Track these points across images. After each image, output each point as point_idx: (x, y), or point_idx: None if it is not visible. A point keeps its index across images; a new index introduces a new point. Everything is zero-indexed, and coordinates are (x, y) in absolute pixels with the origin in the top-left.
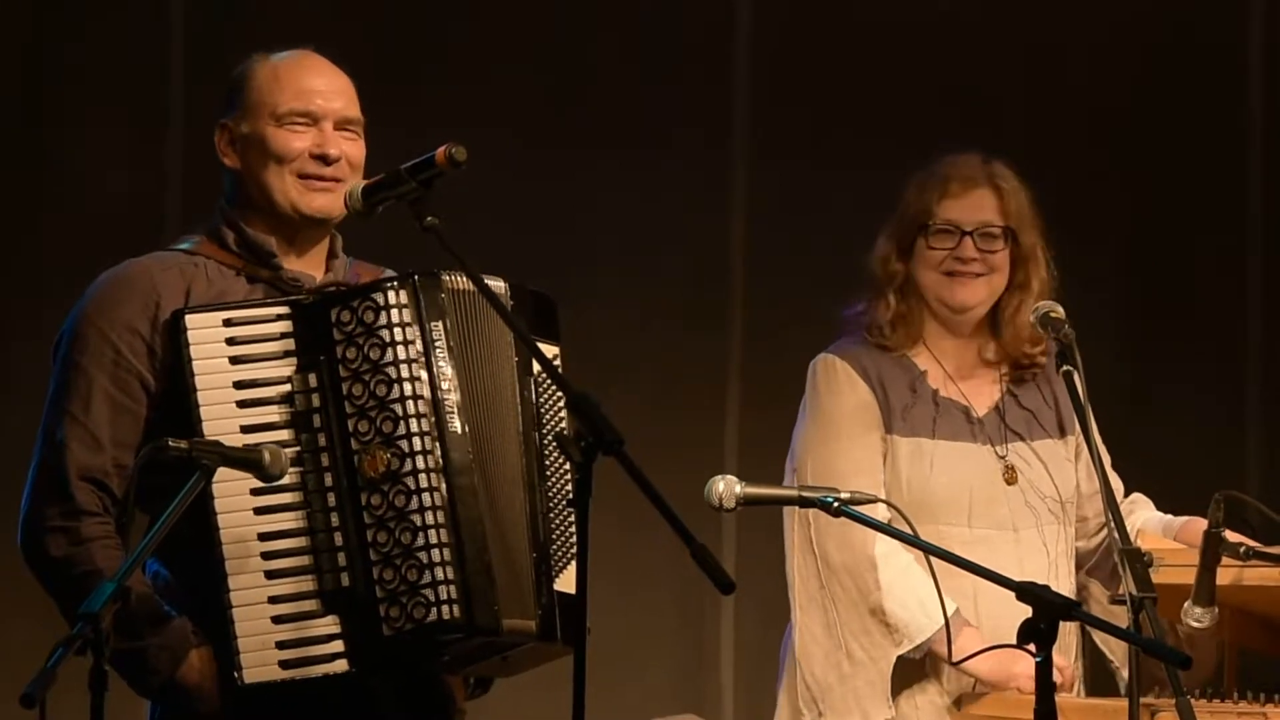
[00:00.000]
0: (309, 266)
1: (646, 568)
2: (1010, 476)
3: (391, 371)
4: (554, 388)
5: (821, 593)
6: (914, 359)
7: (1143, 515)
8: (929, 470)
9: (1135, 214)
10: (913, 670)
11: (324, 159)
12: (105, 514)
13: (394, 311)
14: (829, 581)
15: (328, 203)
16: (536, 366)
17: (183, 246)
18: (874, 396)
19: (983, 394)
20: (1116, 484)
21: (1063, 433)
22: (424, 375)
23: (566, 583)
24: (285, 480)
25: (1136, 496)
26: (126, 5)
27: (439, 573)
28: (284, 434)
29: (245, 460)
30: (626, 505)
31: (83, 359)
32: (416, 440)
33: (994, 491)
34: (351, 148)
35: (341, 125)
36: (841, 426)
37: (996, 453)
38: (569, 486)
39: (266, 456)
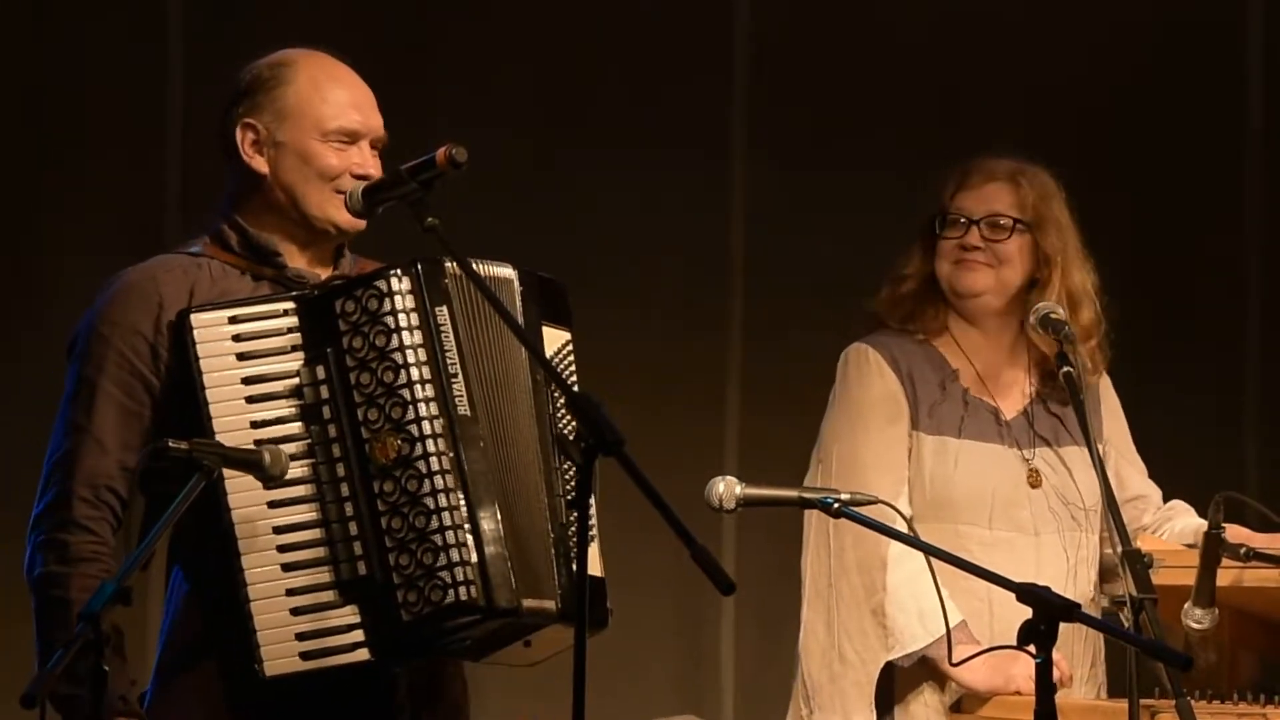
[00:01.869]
0: (315, 266)
1: (646, 569)
2: (1034, 480)
3: (398, 358)
4: (572, 368)
5: (829, 590)
6: (946, 355)
7: (1182, 521)
8: (952, 469)
9: (1134, 214)
10: (919, 673)
11: (366, 179)
12: (105, 528)
13: (398, 298)
14: (837, 578)
15: (355, 218)
16: (549, 350)
17: (188, 250)
18: (902, 388)
19: (1012, 397)
20: (1154, 490)
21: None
22: (431, 360)
23: (590, 563)
24: (298, 473)
25: (1176, 504)
26: (126, 5)
27: (455, 555)
28: (294, 427)
29: (245, 461)
30: (626, 506)
31: (86, 367)
32: (426, 424)
33: (1016, 494)
34: (379, 165)
35: (375, 143)
36: (868, 417)
37: (1022, 456)
38: None
39: (266, 457)
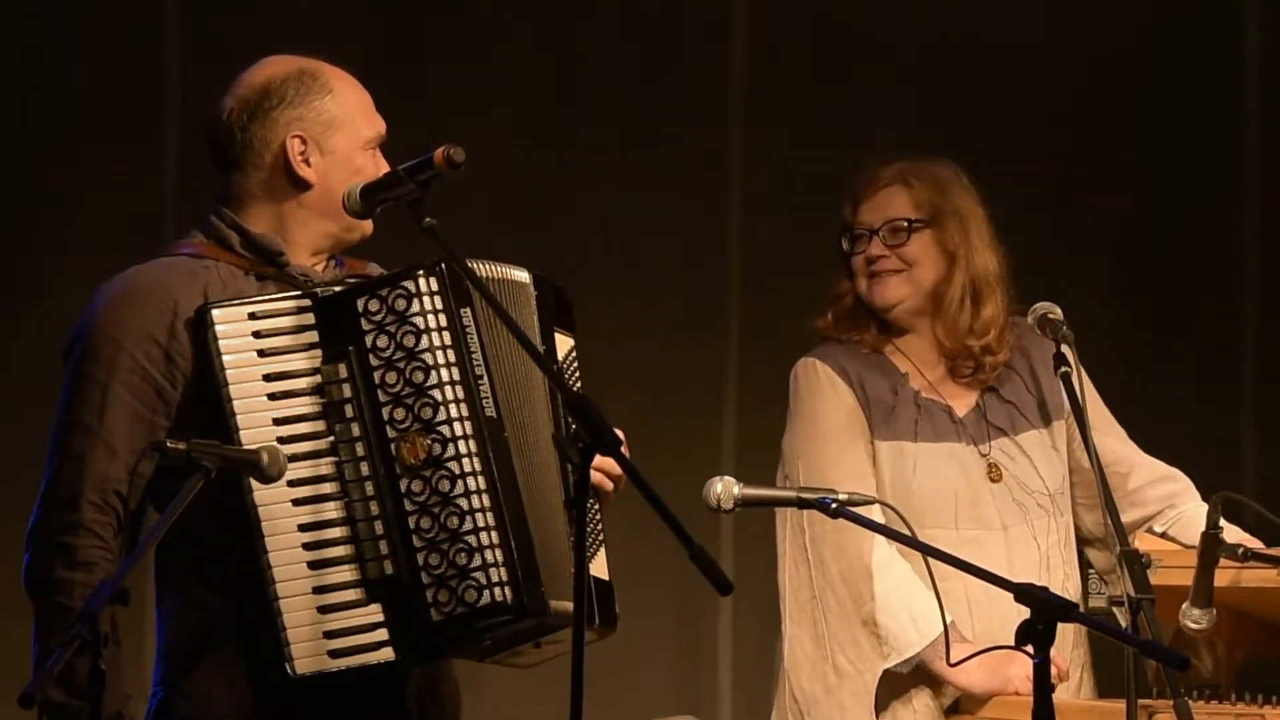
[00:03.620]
0: (317, 270)
1: (644, 569)
2: (995, 475)
3: (428, 358)
4: (577, 374)
5: (812, 603)
6: (893, 361)
7: (1190, 508)
8: (911, 474)
9: (1132, 214)
10: (905, 679)
11: None
12: (110, 534)
13: (425, 299)
14: (822, 591)
15: (354, 219)
16: (560, 353)
17: (187, 251)
18: (856, 399)
19: (962, 393)
20: (1131, 451)
21: (1047, 421)
22: (459, 361)
23: (598, 567)
24: (322, 471)
25: (1176, 475)
26: (124, 5)
27: (489, 555)
28: (317, 425)
29: (244, 461)
30: (624, 506)
31: (96, 369)
32: (458, 425)
33: (978, 492)
34: None
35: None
36: (829, 431)
37: (979, 451)
38: None
39: (265, 457)
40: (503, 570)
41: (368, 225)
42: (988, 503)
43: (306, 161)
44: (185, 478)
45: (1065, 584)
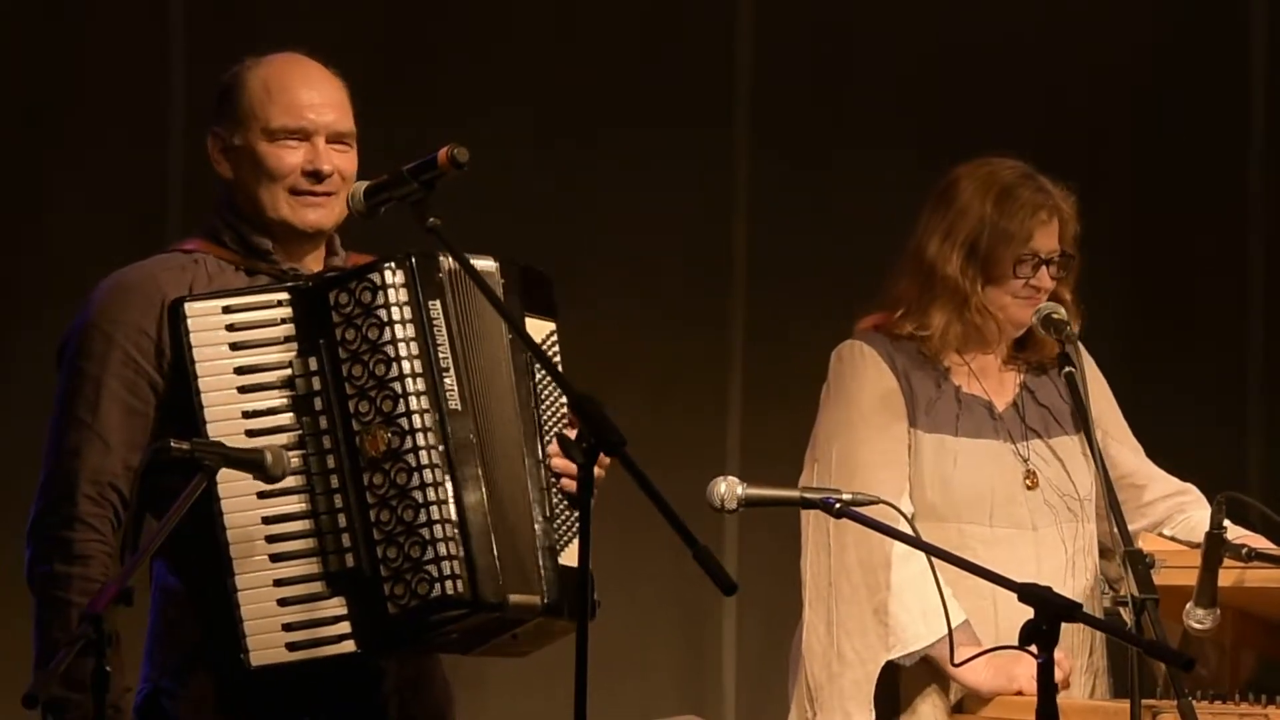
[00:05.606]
0: (307, 266)
1: (648, 569)
2: (1031, 481)
3: (390, 351)
4: (557, 359)
5: (829, 590)
6: (939, 352)
7: (1197, 515)
8: (952, 468)
9: (1136, 213)
10: (926, 676)
11: (316, 175)
12: (108, 526)
13: (391, 291)
14: (837, 577)
15: (320, 217)
16: (539, 341)
17: (182, 249)
18: (899, 385)
19: (1003, 390)
20: (1144, 465)
21: (1079, 427)
22: (423, 354)
23: (572, 558)
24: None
25: (1189, 489)
26: (128, 5)
27: (442, 548)
28: (285, 418)
29: (247, 460)
30: (628, 506)
31: (89, 364)
32: (416, 418)
33: (1014, 491)
34: (343, 160)
35: (334, 139)
36: (867, 414)
37: (1018, 452)
38: None
39: (269, 457)
40: (456, 563)
41: (294, 217)
42: (1021, 502)
43: (225, 158)
44: (176, 475)
45: (1089, 590)
